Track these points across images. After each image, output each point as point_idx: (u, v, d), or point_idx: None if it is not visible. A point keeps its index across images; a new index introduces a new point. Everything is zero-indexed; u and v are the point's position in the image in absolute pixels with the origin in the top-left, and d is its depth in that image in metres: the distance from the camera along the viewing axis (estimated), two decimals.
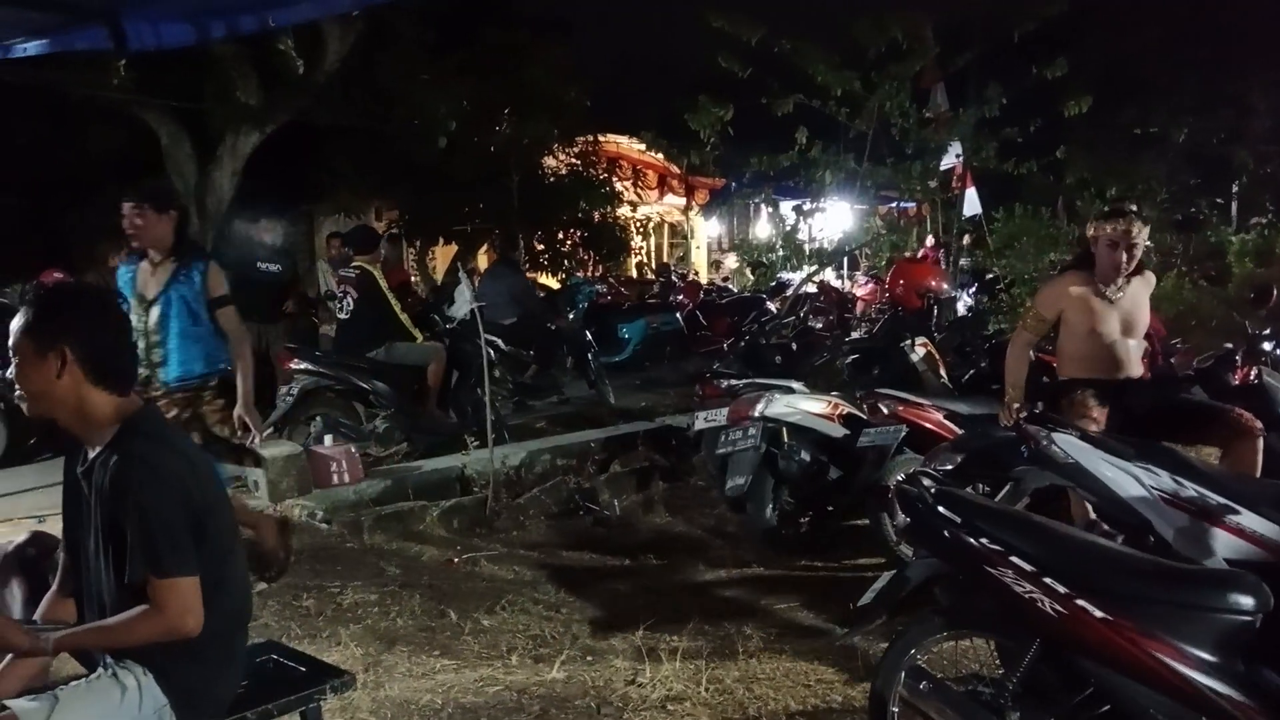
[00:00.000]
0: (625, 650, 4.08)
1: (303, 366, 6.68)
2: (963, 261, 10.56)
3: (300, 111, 10.35)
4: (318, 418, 6.72)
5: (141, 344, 4.17)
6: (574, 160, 13.79)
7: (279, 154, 10.77)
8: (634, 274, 16.90)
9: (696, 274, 19.67)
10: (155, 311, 4.30)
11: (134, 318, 4.12)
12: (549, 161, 13.54)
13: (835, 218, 12.43)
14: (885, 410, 5.59)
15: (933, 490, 2.73)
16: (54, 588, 2.45)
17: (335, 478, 5.99)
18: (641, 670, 3.84)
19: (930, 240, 10.61)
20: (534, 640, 4.19)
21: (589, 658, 4.02)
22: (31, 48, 3.92)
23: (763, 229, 15.43)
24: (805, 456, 5.42)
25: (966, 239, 10.94)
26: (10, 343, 2.25)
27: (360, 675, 3.61)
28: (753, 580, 5.08)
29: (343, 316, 7.09)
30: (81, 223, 10.26)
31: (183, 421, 4.24)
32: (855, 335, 8.89)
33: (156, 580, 2.14)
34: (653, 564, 5.43)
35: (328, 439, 6.34)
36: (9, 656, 2.26)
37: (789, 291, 11.25)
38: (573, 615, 4.51)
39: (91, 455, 2.27)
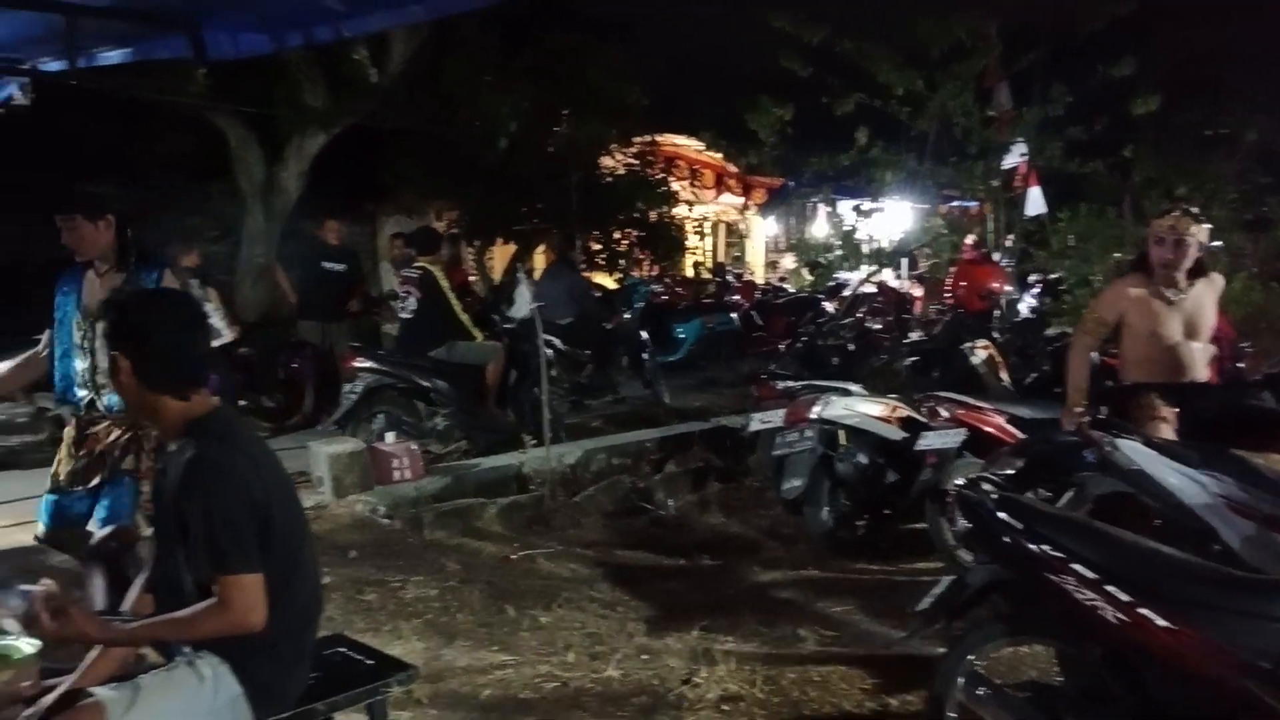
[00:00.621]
0: (680, 650, 4.11)
1: (366, 365, 6.83)
2: (1004, 259, 10.40)
3: (365, 114, 10.55)
4: (380, 415, 6.86)
5: (84, 364, 3.76)
6: (632, 160, 13.84)
7: (344, 155, 10.99)
8: (690, 274, 16.88)
9: (753, 274, 19.61)
10: (102, 326, 3.95)
11: (77, 333, 3.78)
12: (607, 161, 13.60)
13: (895, 217, 12.32)
14: (945, 414, 5.55)
15: (994, 495, 2.72)
16: (143, 578, 2.54)
17: (397, 474, 6.11)
18: (697, 670, 3.87)
19: (971, 239, 10.45)
20: (590, 638, 4.24)
21: (644, 656, 4.05)
22: (115, 56, 4.09)
23: (820, 228, 15.33)
24: (863, 459, 5.40)
25: (1009, 239, 10.78)
26: None
27: (421, 669, 3.69)
28: (808, 582, 5.08)
29: (405, 316, 7.23)
30: (155, 224, 10.55)
31: (122, 445, 3.71)
32: (914, 337, 8.82)
33: (221, 577, 2.21)
34: (708, 564, 5.45)
35: (390, 436, 6.47)
36: (97, 648, 2.36)
37: (847, 292, 11.18)
38: (628, 614, 4.56)
39: (168, 450, 2.38)
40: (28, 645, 3.08)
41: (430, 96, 11.09)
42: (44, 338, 3.88)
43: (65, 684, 2.40)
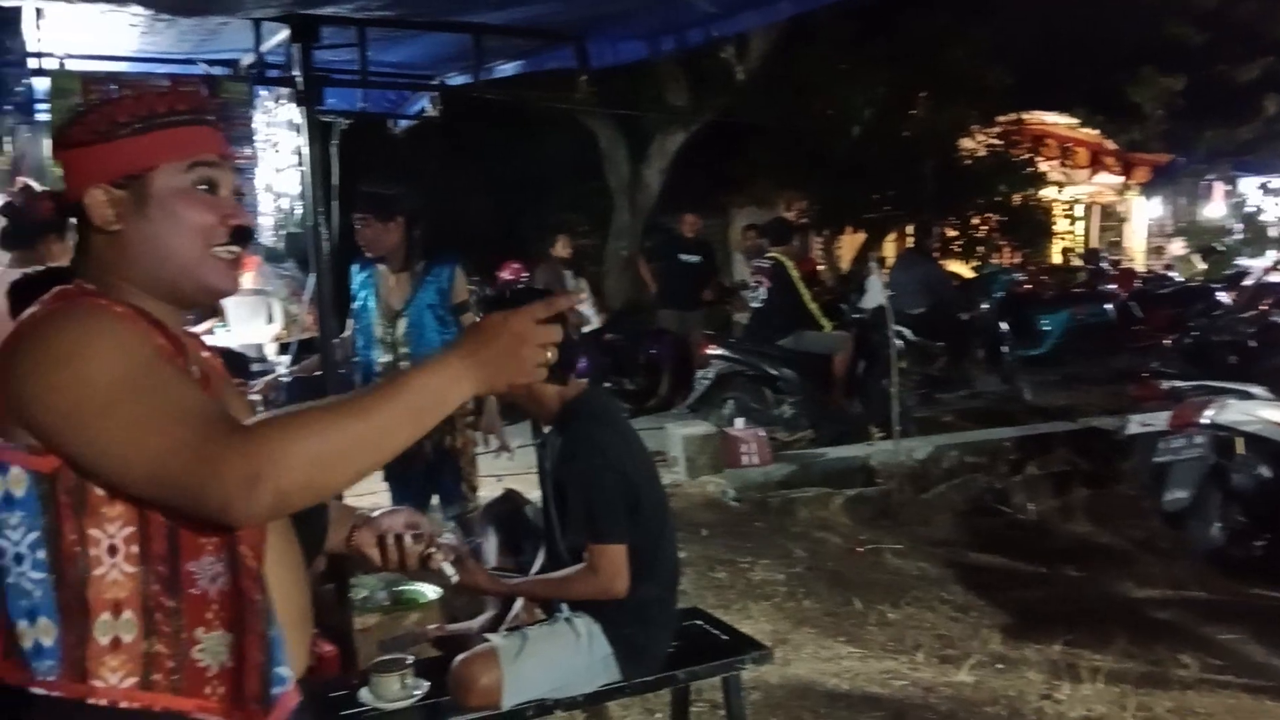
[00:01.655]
0: (1040, 663, 3.87)
1: (719, 352, 7.08)
2: None
3: (723, 109, 10.89)
4: (731, 400, 7.09)
5: (388, 357, 3.86)
6: (994, 141, 13.13)
7: (700, 151, 11.44)
8: (1057, 261, 15.71)
9: (1131, 260, 17.83)
10: (403, 323, 3.87)
11: (378, 329, 3.89)
12: (966, 144, 13.01)
13: None
14: None
15: None
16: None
17: (745, 459, 6.29)
18: (1059, 686, 3.63)
19: None
20: (940, 639, 4.11)
21: (1000, 665, 3.87)
22: (511, 69, 4.55)
23: (1216, 210, 13.64)
24: (1264, 471, 4.76)
25: None
26: None
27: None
28: (1191, 603, 4.58)
29: (756, 305, 7.40)
30: (533, 220, 11.61)
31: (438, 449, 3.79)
32: None
33: (593, 545, 2.43)
34: (1072, 575, 5.08)
35: (739, 421, 6.67)
36: (492, 605, 2.68)
37: (1249, 281, 9.86)
38: (982, 619, 4.37)
39: (545, 431, 2.63)
40: (432, 592, 3.55)
41: (784, 88, 11.21)
42: (348, 326, 4.02)
43: (464, 628, 2.75)
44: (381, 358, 3.87)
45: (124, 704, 1.20)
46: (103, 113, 1.32)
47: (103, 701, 1.19)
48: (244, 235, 1.37)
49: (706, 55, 10.52)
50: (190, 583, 1.22)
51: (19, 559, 1.19)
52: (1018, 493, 6.14)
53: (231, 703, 1.23)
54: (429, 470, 3.77)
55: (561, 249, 8.90)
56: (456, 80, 4.77)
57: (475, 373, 1.23)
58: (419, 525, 1.67)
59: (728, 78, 10.76)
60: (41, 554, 1.18)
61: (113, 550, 1.19)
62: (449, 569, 1.69)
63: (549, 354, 1.28)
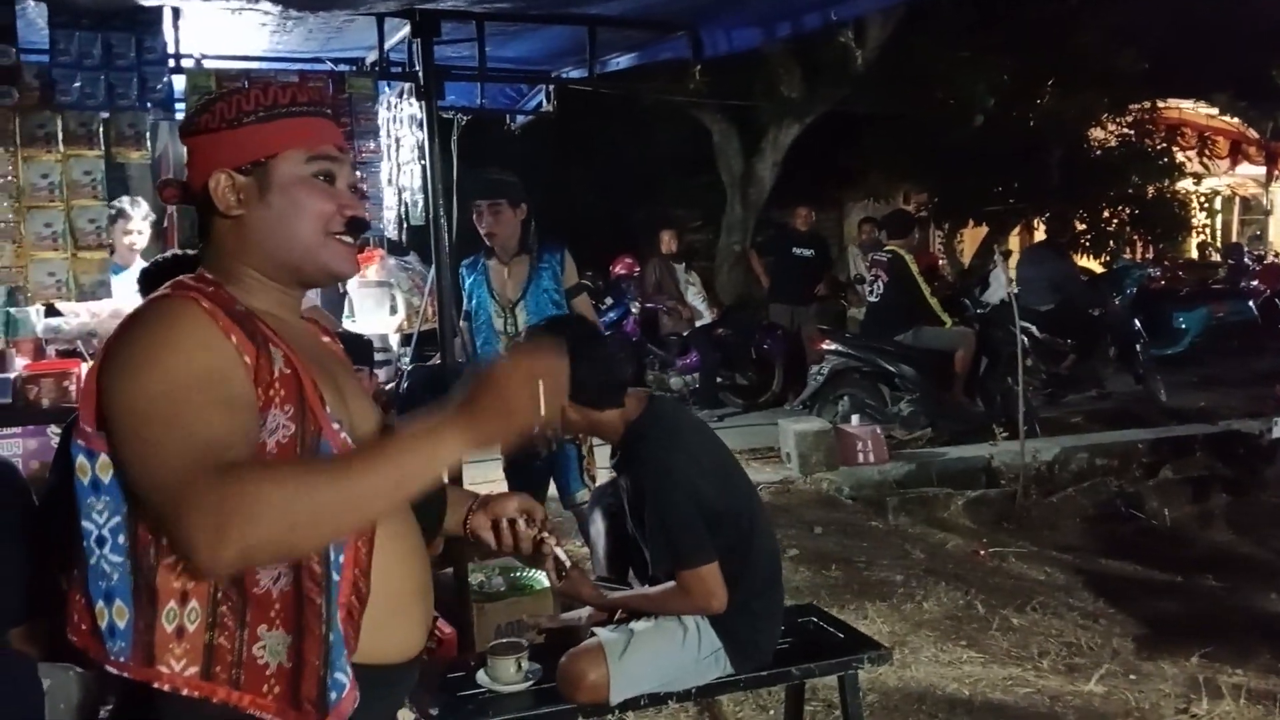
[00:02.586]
0: (1175, 675, 3.67)
1: (833, 347, 6.95)
2: None
3: (839, 101, 10.69)
4: (845, 397, 6.96)
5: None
6: (1126, 130, 12.52)
7: (813, 144, 11.26)
8: (1194, 255, 14.90)
9: (1276, 256, 16.81)
10: (522, 313, 3.84)
11: (497, 321, 3.86)
12: (1095, 134, 12.45)
13: None
14: None
15: None
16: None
17: (860, 456, 6.16)
18: (1196, 700, 3.43)
19: None
20: (1068, 647, 3.94)
21: (1131, 675, 3.68)
22: (624, 61, 4.57)
23: None
24: None
25: None
26: None
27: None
28: None
29: (872, 300, 7.24)
30: (644, 215, 11.64)
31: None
32: None
33: (681, 572, 2.39)
34: (1210, 585, 4.81)
35: (854, 418, 6.54)
36: (589, 609, 2.67)
37: None
38: (1112, 628, 4.16)
39: (616, 457, 2.58)
40: (546, 579, 3.57)
41: (903, 77, 10.94)
42: (463, 326, 4.01)
43: (574, 616, 2.76)
44: (503, 350, 3.81)
45: (185, 691, 1.22)
46: (230, 102, 1.35)
47: (166, 687, 1.22)
48: (359, 226, 1.39)
49: (822, 46, 10.34)
50: (254, 581, 1.24)
51: (101, 541, 1.24)
52: (1151, 498, 5.85)
53: (288, 703, 1.25)
54: (549, 459, 3.77)
55: (668, 244, 8.89)
56: (572, 74, 4.81)
57: (465, 433, 1.20)
58: (533, 511, 1.68)
59: (844, 68, 10.54)
60: (121, 538, 1.23)
61: None
62: (561, 554, 1.70)
63: (543, 406, 1.20)
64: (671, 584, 2.43)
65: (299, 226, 1.35)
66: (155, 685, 1.22)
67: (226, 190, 1.33)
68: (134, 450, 1.18)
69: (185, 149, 1.39)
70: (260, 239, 1.35)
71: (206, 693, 1.23)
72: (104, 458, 1.23)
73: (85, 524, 1.24)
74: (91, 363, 1.31)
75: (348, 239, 1.39)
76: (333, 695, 1.25)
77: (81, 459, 1.25)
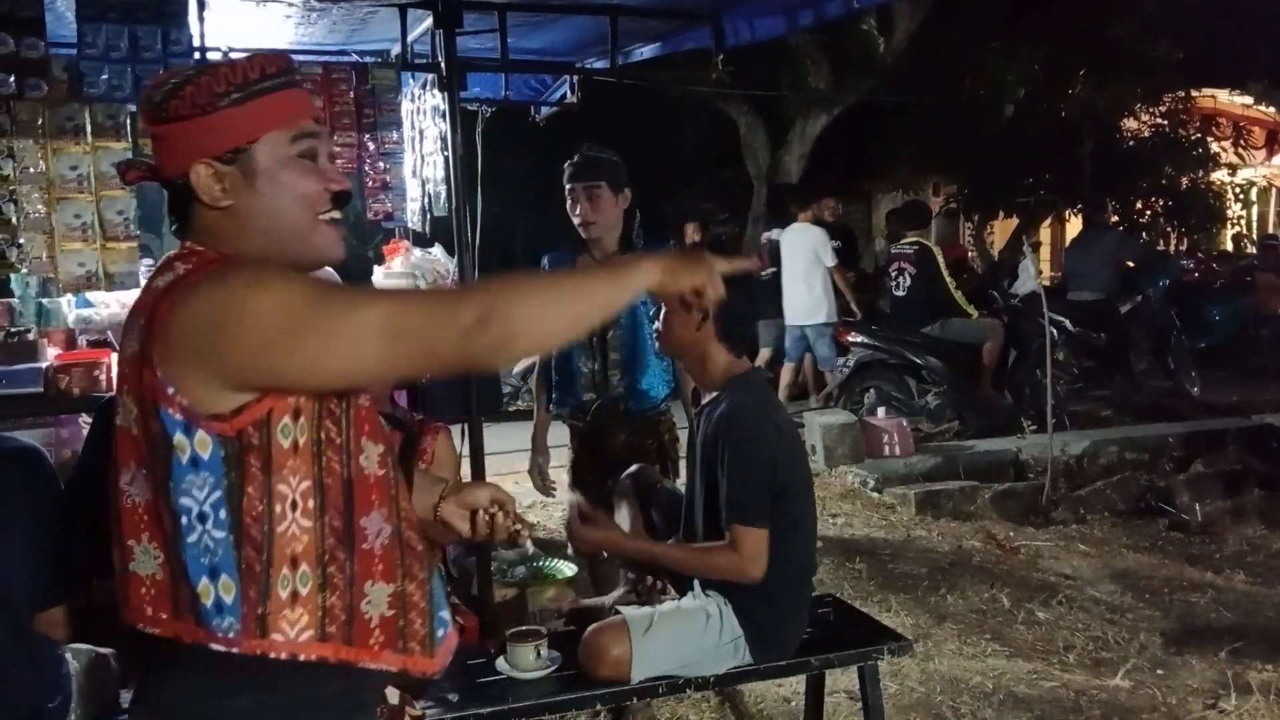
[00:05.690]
0: (1204, 671, 3.62)
1: (859, 339, 6.91)
2: None
3: (867, 92, 10.60)
4: (871, 389, 6.91)
5: (592, 365, 3.24)
6: (1159, 121, 12.34)
7: (841, 136, 11.17)
8: (1229, 247, 14.65)
9: None
10: (615, 343, 3.24)
11: (579, 356, 3.27)
12: (1128, 124, 12.27)
13: None
14: None
15: None
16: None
17: (886, 449, 6.12)
18: (1225, 696, 3.39)
19: None
20: (1094, 642, 3.90)
21: (1159, 671, 3.64)
22: (647, 51, 4.56)
23: None
24: None
25: None
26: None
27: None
28: None
29: (899, 293, 7.17)
30: (671, 208, 11.61)
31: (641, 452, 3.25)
32: None
33: (736, 525, 2.41)
34: (1241, 581, 4.73)
35: (880, 411, 6.50)
36: (623, 586, 2.68)
37: None
38: (1140, 623, 4.11)
39: (704, 400, 2.62)
40: (568, 568, 3.59)
41: (931, 67, 10.83)
42: None
43: (596, 602, 2.77)
44: (587, 364, 3.25)
45: (302, 656, 1.25)
46: (199, 84, 1.28)
47: (283, 655, 1.24)
48: (343, 199, 1.38)
49: (849, 36, 10.26)
50: (362, 537, 1.29)
51: (203, 517, 1.22)
52: (1182, 492, 5.76)
53: (394, 650, 1.31)
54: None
55: (692, 236, 8.88)
56: (594, 64, 4.80)
57: (658, 268, 1.36)
58: (505, 502, 1.72)
59: (871, 58, 10.45)
60: (223, 513, 1.22)
61: (294, 505, 1.24)
62: (531, 546, 1.84)
63: (713, 291, 1.41)
64: (718, 543, 2.45)
65: (291, 212, 1.32)
66: (270, 655, 1.23)
67: (210, 181, 1.29)
68: (324, 325, 1.19)
69: (154, 133, 1.32)
70: (257, 226, 1.31)
71: (325, 654, 1.26)
72: (201, 434, 1.20)
73: (184, 501, 1.21)
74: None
75: (335, 215, 1.37)
76: (440, 633, 1.36)
77: (179, 435, 1.21)
